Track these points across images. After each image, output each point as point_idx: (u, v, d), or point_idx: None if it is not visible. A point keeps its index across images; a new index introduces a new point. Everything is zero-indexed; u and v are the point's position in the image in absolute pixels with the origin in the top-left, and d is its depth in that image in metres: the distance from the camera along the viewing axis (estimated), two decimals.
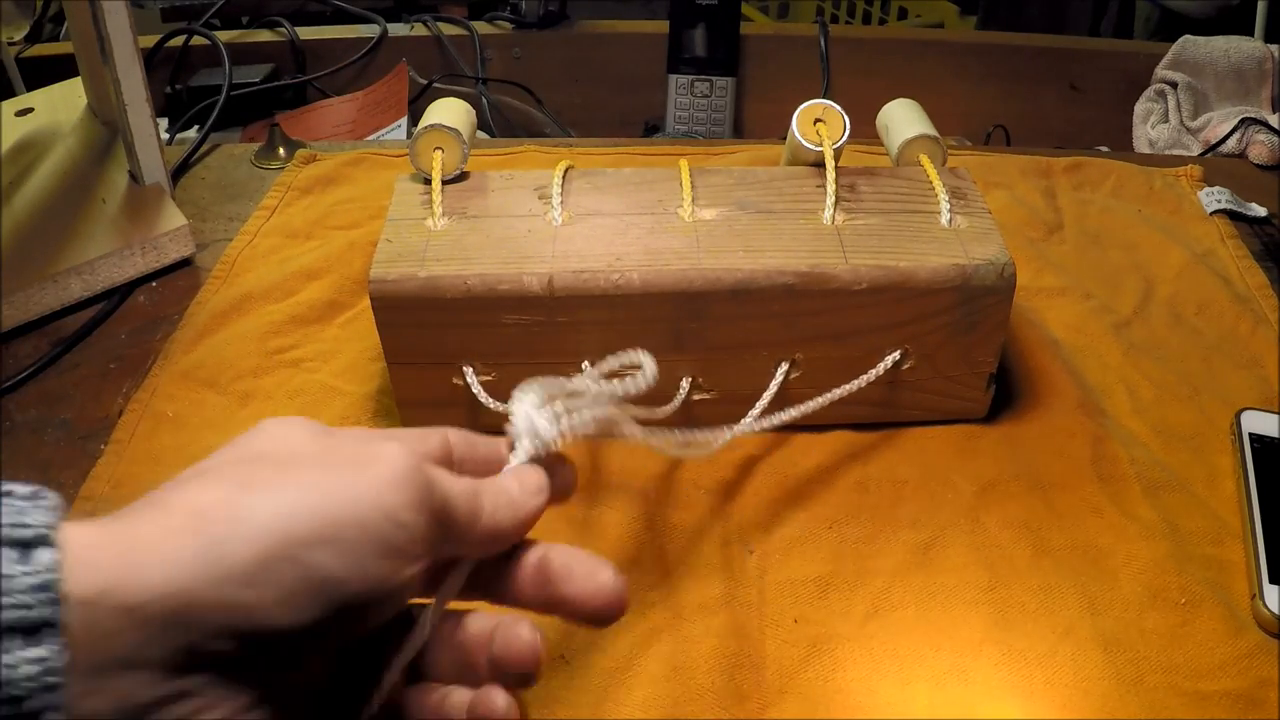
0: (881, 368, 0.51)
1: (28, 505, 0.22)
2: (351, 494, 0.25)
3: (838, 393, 0.50)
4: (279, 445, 0.27)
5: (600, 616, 0.30)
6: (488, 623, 0.31)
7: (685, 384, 0.51)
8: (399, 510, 0.26)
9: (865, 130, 0.63)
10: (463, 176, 0.55)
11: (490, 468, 0.32)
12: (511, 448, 0.33)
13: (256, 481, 0.25)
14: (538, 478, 0.32)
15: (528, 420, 0.33)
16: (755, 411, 0.49)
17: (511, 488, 0.31)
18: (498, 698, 0.29)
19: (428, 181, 0.54)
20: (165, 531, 0.24)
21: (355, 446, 0.27)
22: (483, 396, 0.50)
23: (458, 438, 0.32)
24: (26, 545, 0.21)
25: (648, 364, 0.35)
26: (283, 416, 0.29)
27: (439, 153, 0.54)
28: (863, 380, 0.50)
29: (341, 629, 0.26)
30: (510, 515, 0.30)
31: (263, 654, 0.24)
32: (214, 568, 0.23)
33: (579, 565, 0.30)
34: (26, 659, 0.20)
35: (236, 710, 0.24)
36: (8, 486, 0.23)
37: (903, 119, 0.59)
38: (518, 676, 0.29)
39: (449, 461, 0.31)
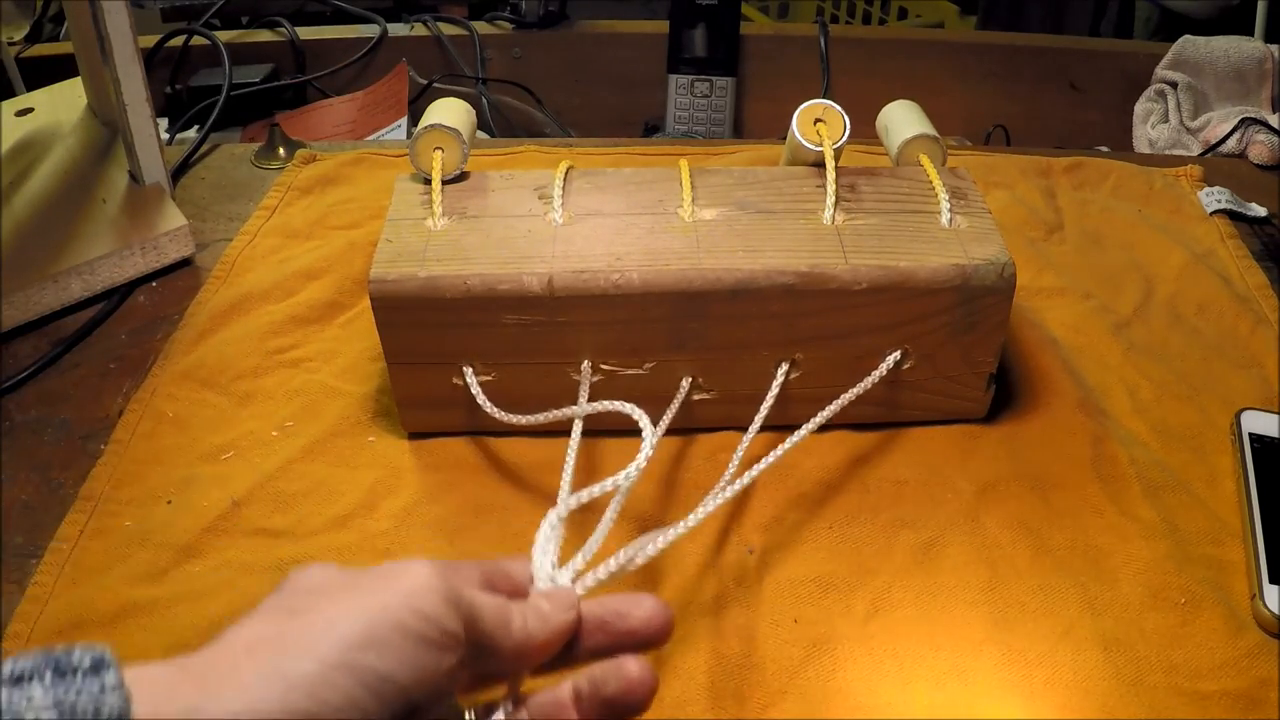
0: (882, 369, 0.51)
1: (98, 683, 0.24)
2: (386, 602, 0.29)
3: (840, 402, 0.50)
4: (314, 582, 0.30)
5: (658, 638, 0.34)
6: (563, 689, 0.34)
7: (685, 384, 0.51)
8: (428, 609, 0.29)
9: (865, 130, 0.63)
10: (463, 176, 0.55)
11: (523, 589, 0.36)
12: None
13: (302, 608, 0.28)
14: (568, 596, 0.35)
15: (549, 579, 0.36)
16: (758, 419, 0.49)
17: (542, 605, 0.34)
18: None
19: (428, 181, 0.54)
20: (231, 661, 0.27)
21: (385, 569, 0.31)
22: (481, 397, 0.50)
23: (489, 566, 0.35)
24: None
25: (646, 427, 0.41)
26: (307, 564, 0.31)
27: (439, 153, 0.54)
28: (865, 384, 0.50)
29: None
30: (541, 627, 0.33)
31: None
32: (279, 684, 0.26)
33: (624, 604, 0.35)
34: None
35: None
36: (69, 661, 0.24)
37: (902, 120, 0.59)
38: (633, 707, 0.33)
39: (483, 587, 0.34)
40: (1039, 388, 0.57)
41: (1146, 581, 0.47)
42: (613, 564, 0.37)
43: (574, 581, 0.36)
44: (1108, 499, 0.51)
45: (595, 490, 0.39)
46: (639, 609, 0.34)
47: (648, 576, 0.47)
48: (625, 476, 0.40)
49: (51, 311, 0.63)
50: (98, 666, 0.24)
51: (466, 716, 0.35)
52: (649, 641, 0.35)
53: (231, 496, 0.51)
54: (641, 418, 0.42)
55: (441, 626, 0.29)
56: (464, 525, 0.50)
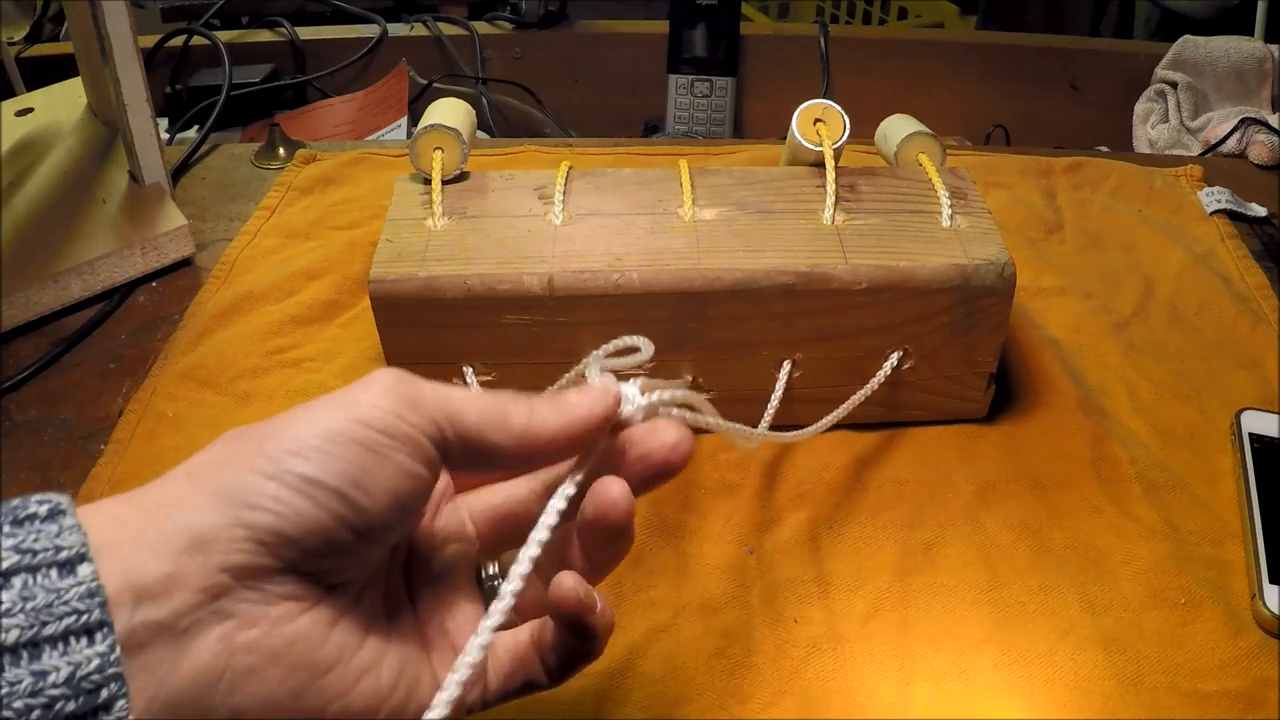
0: (886, 369, 0.51)
1: (55, 528, 0.25)
2: (326, 411, 0.28)
3: (845, 406, 0.50)
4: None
5: (672, 466, 0.32)
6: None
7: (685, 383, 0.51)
8: (369, 412, 0.28)
9: (865, 130, 0.63)
10: (463, 176, 0.55)
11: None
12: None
13: (246, 434, 0.28)
14: (605, 385, 0.32)
15: (612, 385, 0.32)
16: (766, 419, 0.49)
17: (567, 395, 0.31)
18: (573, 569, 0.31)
19: (428, 181, 0.54)
20: (175, 487, 0.27)
21: (347, 386, 0.30)
22: None
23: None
24: (69, 564, 0.24)
25: (645, 346, 0.36)
26: None
27: (439, 153, 0.54)
28: (869, 386, 0.50)
29: (360, 533, 0.28)
30: (556, 416, 0.31)
31: (292, 562, 0.27)
32: (215, 500, 0.26)
33: (643, 432, 0.32)
34: (93, 655, 0.23)
35: (287, 616, 0.27)
36: (26, 510, 0.25)
37: (900, 125, 0.59)
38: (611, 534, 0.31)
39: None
40: (1039, 388, 0.57)
41: (1146, 581, 0.47)
42: (689, 392, 0.33)
43: (644, 394, 0.32)
44: (1108, 499, 0.51)
45: (622, 362, 0.35)
46: (656, 437, 0.32)
47: (647, 570, 0.47)
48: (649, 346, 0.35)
49: (51, 311, 0.63)
50: (54, 513, 0.25)
51: (483, 573, 0.34)
52: (667, 467, 0.32)
53: None
54: (644, 343, 0.37)
55: (390, 426, 0.28)
56: None
